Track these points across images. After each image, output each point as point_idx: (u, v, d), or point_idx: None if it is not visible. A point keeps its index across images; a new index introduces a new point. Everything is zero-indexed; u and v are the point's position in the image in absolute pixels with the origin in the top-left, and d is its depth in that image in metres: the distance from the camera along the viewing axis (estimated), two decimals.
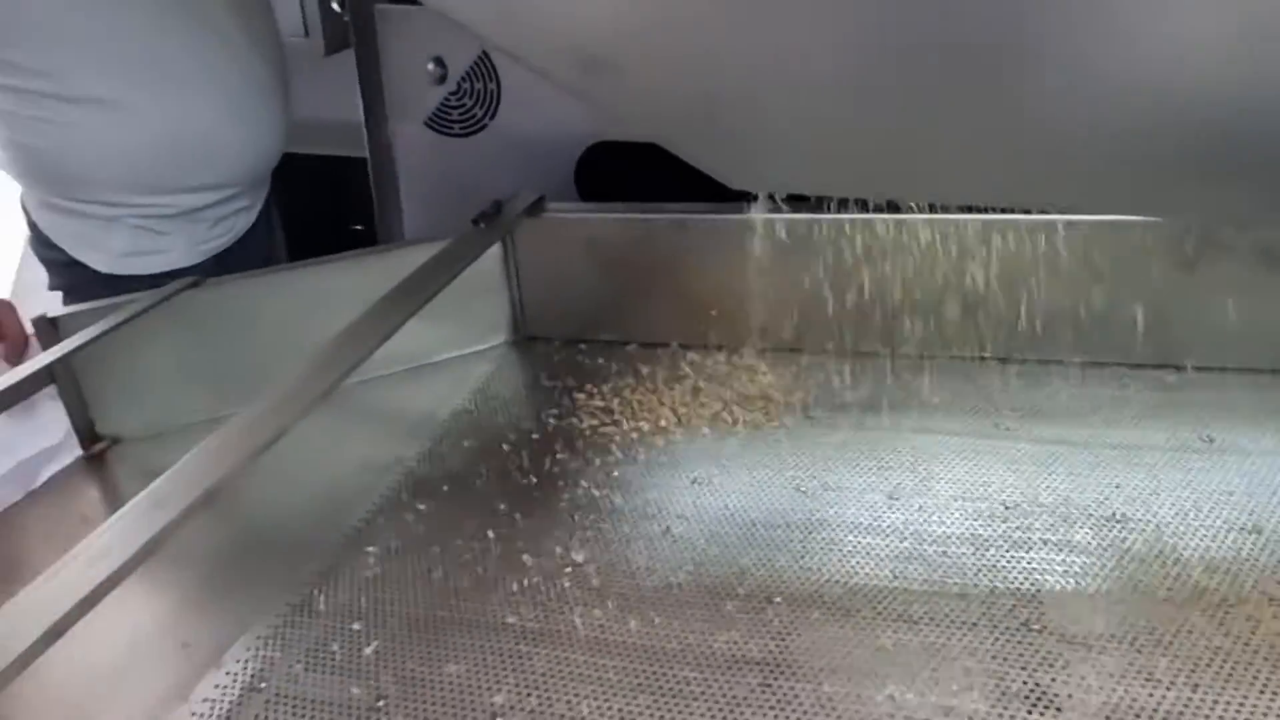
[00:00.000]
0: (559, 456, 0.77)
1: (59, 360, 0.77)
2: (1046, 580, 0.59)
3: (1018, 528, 0.64)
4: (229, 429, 0.56)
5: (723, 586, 0.61)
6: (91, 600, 0.43)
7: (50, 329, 0.78)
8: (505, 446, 0.79)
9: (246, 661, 0.58)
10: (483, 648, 0.58)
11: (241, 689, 0.57)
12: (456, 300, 0.90)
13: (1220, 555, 0.60)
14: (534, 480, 0.74)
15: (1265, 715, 0.48)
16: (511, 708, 0.53)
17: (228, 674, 0.58)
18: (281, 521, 0.72)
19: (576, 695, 0.54)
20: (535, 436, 0.80)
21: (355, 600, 0.63)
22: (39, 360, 0.74)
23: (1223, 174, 0.63)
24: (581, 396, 0.85)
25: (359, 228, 1.35)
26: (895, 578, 0.61)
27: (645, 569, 0.63)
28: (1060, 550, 0.62)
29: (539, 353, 0.94)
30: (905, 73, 0.66)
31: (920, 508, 0.67)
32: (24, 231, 1.01)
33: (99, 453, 0.83)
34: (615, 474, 0.74)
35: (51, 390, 0.77)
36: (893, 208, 0.80)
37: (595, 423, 0.81)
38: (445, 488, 0.74)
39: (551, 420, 0.82)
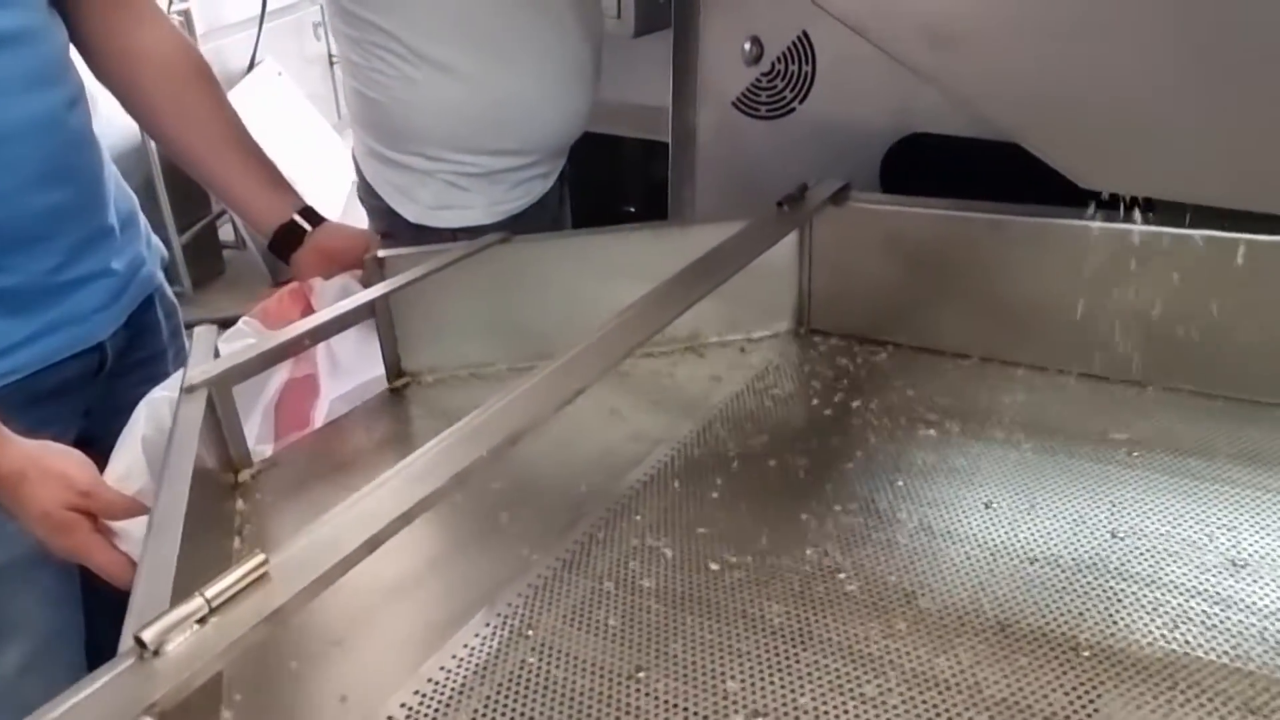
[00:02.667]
0: (838, 456, 0.73)
1: (380, 297, 0.83)
2: None
3: None
4: (533, 381, 0.58)
5: (1014, 624, 0.55)
6: (407, 518, 0.44)
7: (378, 267, 0.85)
8: (780, 437, 0.76)
9: (517, 607, 0.60)
10: (741, 637, 0.55)
11: (510, 632, 0.58)
12: (743, 282, 0.88)
13: None
14: (809, 476, 0.70)
15: None
16: (768, 712, 0.50)
17: (498, 615, 0.59)
18: (557, 479, 0.73)
19: (839, 712, 0.50)
20: (812, 432, 0.76)
21: (621, 566, 0.62)
22: (366, 294, 0.80)
23: None
24: (865, 398, 0.80)
25: (632, 209, 1.38)
26: (1235, 656, 0.52)
27: (928, 589, 0.58)
28: None
29: (821, 346, 0.90)
30: None
31: (1271, 580, 0.57)
32: (350, 183, 1.11)
33: (400, 388, 0.89)
34: (899, 483, 0.69)
35: None
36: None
37: (877, 426, 0.76)
38: (715, 469, 0.72)
39: (830, 418, 0.78)
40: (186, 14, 2.51)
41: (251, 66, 2.85)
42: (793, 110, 0.99)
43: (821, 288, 0.91)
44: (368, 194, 1.05)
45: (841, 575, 0.60)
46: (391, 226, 1.02)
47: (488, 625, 0.58)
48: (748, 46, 0.97)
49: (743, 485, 0.70)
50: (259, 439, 0.83)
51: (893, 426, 0.76)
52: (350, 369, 0.90)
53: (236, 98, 2.73)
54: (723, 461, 0.73)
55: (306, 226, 0.92)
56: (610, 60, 1.13)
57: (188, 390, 0.64)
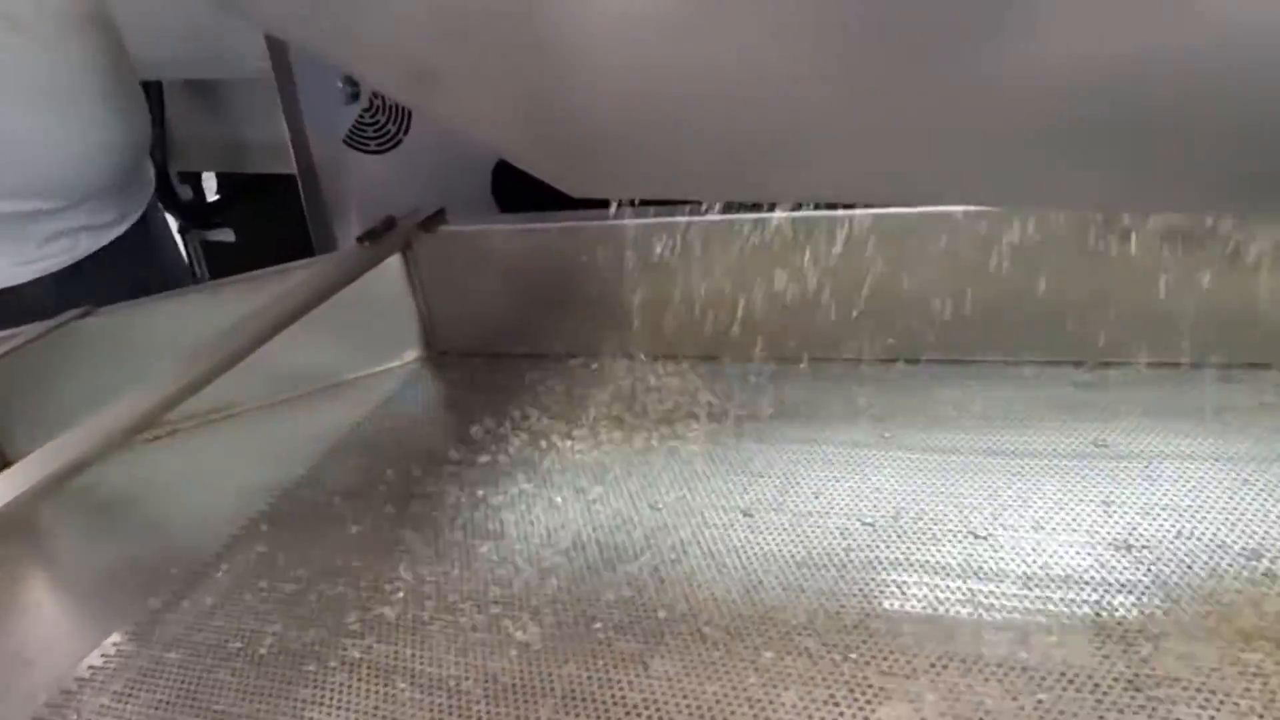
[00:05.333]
0: (436, 477, 0.75)
1: None
2: (886, 605, 0.55)
3: (875, 547, 0.60)
4: (37, 455, 0.57)
5: (539, 609, 0.59)
6: None
7: None
8: (388, 468, 0.78)
9: (73, 693, 0.59)
10: (299, 683, 0.57)
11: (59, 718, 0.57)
12: (364, 318, 0.90)
13: (1077, 576, 0.55)
14: (404, 503, 0.73)
15: None
16: None
17: (45, 705, 0.58)
18: (145, 546, 0.72)
19: None
20: (421, 456, 0.79)
21: (192, 632, 0.62)
22: None
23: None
24: (481, 413, 0.83)
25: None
26: (719, 600, 0.57)
27: (479, 593, 0.61)
28: (912, 570, 0.57)
29: (450, 369, 0.93)
30: (757, 50, 0.62)
31: (774, 526, 0.63)
32: None
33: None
34: (479, 493, 0.72)
35: None
36: (780, 206, 0.77)
37: (480, 441, 0.79)
38: (313, 512, 0.73)
39: (441, 439, 0.81)
40: None
41: None
42: (400, 142, 1.01)
43: (443, 312, 0.94)
44: None
45: (404, 593, 0.62)
46: None
47: (46, 705, 0.57)
48: (341, 85, 0.99)
49: (338, 523, 0.71)
50: None
51: (500, 437, 0.79)
52: None
53: None
54: (321, 502, 0.74)
55: None
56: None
57: None
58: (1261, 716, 0.44)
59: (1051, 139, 0.53)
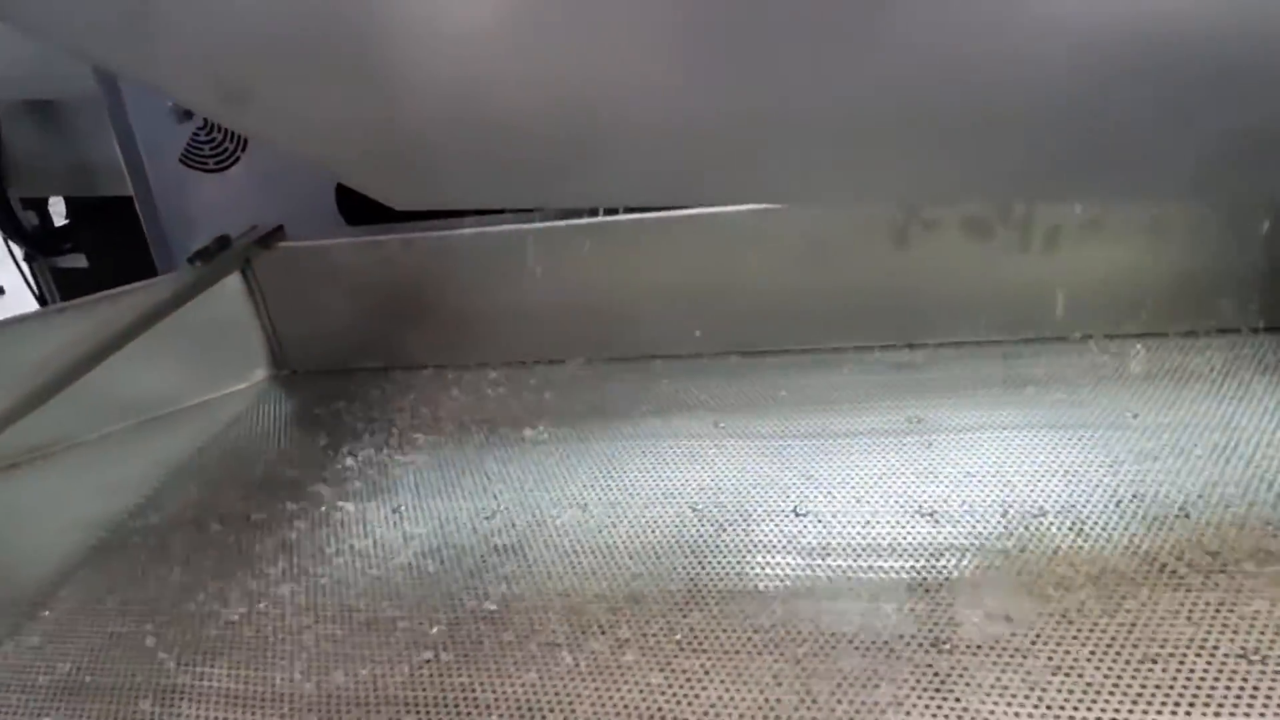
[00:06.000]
0: (279, 499, 0.74)
1: None
2: (713, 585, 0.57)
3: (704, 531, 0.62)
4: None
5: (384, 619, 0.59)
6: None
7: None
8: (229, 492, 0.76)
9: None
10: (131, 714, 0.56)
11: None
12: (207, 339, 0.88)
13: (891, 544, 0.58)
14: (244, 528, 0.71)
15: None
16: None
17: None
18: None
19: None
20: (263, 478, 0.77)
21: (15, 674, 0.60)
22: None
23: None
24: (325, 431, 0.83)
25: None
26: (557, 591, 0.59)
27: (322, 612, 0.61)
28: (737, 552, 0.60)
29: (299, 387, 0.92)
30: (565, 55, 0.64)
31: (609, 518, 0.65)
32: None
33: None
34: (322, 509, 0.71)
35: None
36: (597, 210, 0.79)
37: (330, 457, 0.79)
38: (148, 541, 0.71)
39: (286, 459, 0.80)
40: None
41: None
42: (239, 159, 0.99)
43: (290, 330, 0.93)
44: None
45: (242, 618, 0.62)
46: None
47: None
48: (171, 104, 0.96)
49: (174, 553, 0.70)
50: None
51: (346, 453, 0.79)
52: None
53: None
54: (157, 533, 0.72)
55: None
56: None
57: None
58: (1088, 657, 0.47)
59: (859, 140, 0.56)
